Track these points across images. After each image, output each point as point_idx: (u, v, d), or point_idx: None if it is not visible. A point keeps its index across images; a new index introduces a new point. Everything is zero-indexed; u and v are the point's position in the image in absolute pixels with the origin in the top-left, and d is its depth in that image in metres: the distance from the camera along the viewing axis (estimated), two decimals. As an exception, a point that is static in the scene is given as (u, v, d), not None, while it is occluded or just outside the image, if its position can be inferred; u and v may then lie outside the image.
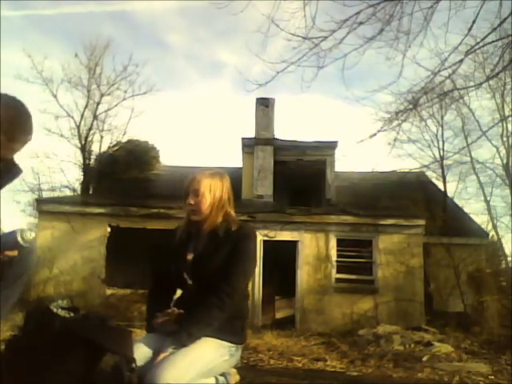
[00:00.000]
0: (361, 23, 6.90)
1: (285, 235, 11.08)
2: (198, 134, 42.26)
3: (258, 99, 13.12)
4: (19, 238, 1.80)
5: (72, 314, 1.77)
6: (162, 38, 43.93)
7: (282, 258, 10.81)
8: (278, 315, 12.31)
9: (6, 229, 1.89)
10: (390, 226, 11.06)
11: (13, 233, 1.84)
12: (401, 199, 12.03)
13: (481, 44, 7.25)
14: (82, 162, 18.00)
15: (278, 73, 7.57)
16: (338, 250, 11.03)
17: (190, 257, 2.18)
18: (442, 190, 15.43)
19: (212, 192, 2.16)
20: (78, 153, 18.16)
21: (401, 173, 15.77)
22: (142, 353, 1.98)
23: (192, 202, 2.15)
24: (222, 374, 2.15)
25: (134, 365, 1.77)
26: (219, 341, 2.06)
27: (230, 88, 48.12)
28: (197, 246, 2.19)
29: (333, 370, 4.29)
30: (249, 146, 12.84)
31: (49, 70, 28.80)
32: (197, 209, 2.16)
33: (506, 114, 18.13)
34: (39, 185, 19.63)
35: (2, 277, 1.71)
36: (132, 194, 12.47)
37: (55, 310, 1.77)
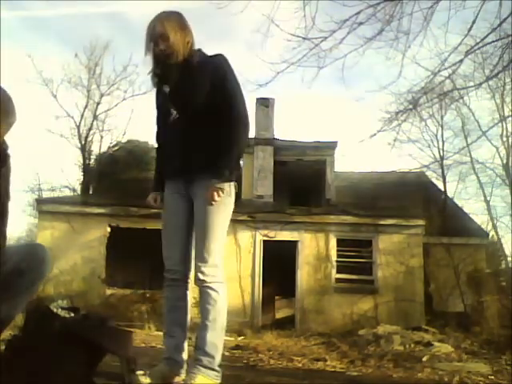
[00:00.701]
0: (361, 23, 6.89)
1: (285, 235, 11.08)
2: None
3: (258, 99, 13.12)
4: None
5: (72, 314, 1.77)
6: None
7: (282, 258, 10.82)
8: (278, 315, 12.32)
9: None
10: (390, 226, 11.06)
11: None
12: (401, 199, 12.03)
13: (480, 44, 7.25)
14: (81, 162, 17.98)
15: (278, 73, 7.57)
16: (337, 250, 11.03)
17: (166, 89, 2.29)
18: (442, 190, 15.43)
19: (176, 31, 2.22)
20: (78, 153, 18.16)
21: (401, 173, 15.77)
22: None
23: (163, 47, 2.21)
24: None
25: (133, 365, 1.77)
26: None
27: (229, 88, 48.06)
28: (171, 78, 2.26)
29: (333, 370, 4.28)
30: (249, 146, 12.83)
31: (49, 70, 28.81)
32: (170, 51, 2.21)
33: (506, 114, 18.16)
34: (39, 185, 19.65)
35: (13, 286, 1.71)
36: (132, 194, 12.46)
37: (55, 310, 1.77)
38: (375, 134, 8.56)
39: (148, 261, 12.12)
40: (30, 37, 36.70)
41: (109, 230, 11.06)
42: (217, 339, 2.16)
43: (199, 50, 2.34)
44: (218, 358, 2.14)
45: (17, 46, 36.30)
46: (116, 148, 16.87)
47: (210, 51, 2.38)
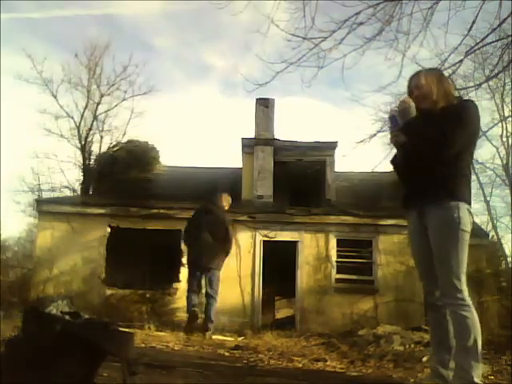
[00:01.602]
0: (360, 23, 6.90)
1: (285, 235, 11.08)
2: (198, 134, 42.29)
3: (257, 99, 13.10)
4: None
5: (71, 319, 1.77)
6: (159, 39, 44.01)
7: (282, 258, 10.82)
8: (278, 315, 12.34)
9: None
10: (390, 226, 11.05)
11: None
12: (401, 199, 11.99)
13: (480, 45, 7.25)
14: (81, 162, 18.02)
15: (277, 73, 7.55)
16: (338, 251, 11.03)
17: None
18: (442, 190, 15.42)
19: (428, 84, 2.96)
20: (78, 153, 18.21)
21: (401, 173, 15.73)
22: None
23: (416, 93, 2.96)
24: None
25: (134, 367, 1.77)
26: None
27: (230, 88, 48.14)
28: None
29: (333, 370, 4.28)
30: (249, 146, 12.84)
31: (49, 70, 28.80)
32: (423, 97, 2.92)
33: (506, 114, 18.18)
34: (39, 185, 19.68)
35: None
36: (132, 194, 12.47)
37: (54, 311, 1.77)
38: (375, 135, 8.58)
39: (148, 261, 12.14)
40: (31, 38, 36.72)
41: (109, 230, 11.05)
42: (479, 359, 2.57)
43: (457, 98, 2.93)
44: (479, 373, 2.54)
45: (17, 46, 36.32)
46: (116, 148, 16.88)
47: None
